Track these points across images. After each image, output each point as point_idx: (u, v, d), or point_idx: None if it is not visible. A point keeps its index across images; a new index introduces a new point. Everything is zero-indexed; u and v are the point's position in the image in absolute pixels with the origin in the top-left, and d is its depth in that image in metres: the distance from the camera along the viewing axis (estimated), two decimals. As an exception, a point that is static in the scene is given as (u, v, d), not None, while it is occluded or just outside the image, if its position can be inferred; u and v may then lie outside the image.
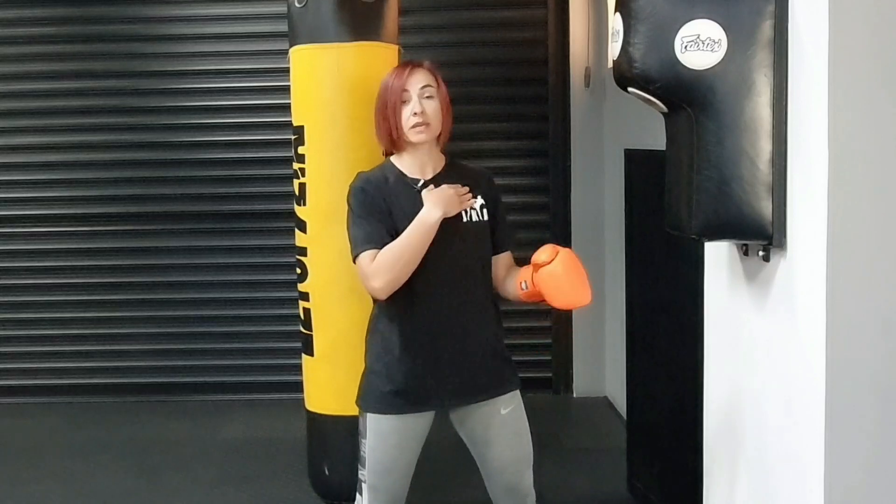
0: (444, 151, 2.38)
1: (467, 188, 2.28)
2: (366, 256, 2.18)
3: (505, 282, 2.36)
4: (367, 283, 2.19)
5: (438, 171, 2.32)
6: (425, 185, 2.27)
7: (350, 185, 2.31)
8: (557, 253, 2.16)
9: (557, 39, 4.79)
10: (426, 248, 2.17)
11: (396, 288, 2.17)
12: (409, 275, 2.17)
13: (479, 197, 2.33)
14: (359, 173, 2.34)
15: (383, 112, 2.28)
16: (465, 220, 2.28)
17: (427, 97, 2.25)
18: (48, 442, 4.38)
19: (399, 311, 2.26)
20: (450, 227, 2.22)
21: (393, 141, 2.29)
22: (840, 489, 1.51)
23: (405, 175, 2.29)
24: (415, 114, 2.22)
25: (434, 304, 2.25)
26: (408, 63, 2.31)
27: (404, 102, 2.24)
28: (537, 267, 2.17)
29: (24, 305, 5.02)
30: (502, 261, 2.39)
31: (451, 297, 2.26)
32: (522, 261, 2.34)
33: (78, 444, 4.33)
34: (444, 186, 2.24)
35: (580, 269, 2.17)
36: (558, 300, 2.16)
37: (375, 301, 2.32)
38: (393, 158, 2.34)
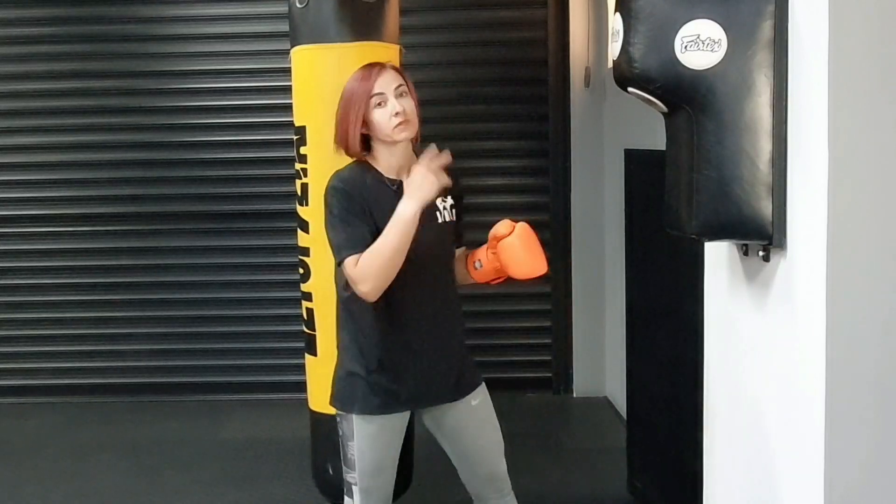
0: (415, 152, 2.32)
1: (447, 156, 2.19)
2: (350, 261, 2.14)
3: (456, 268, 2.41)
4: (355, 288, 2.16)
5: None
6: (402, 185, 2.20)
7: (328, 185, 2.24)
8: (515, 227, 2.27)
9: (557, 39, 4.80)
10: (409, 242, 2.12)
11: (385, 287, 2.14)
12: (396, 272, 2.13)
13: (448, 196, 2.32)
14: (335, 172, 2.28)
15: (346, 116, 2.23)
16: (440, 220, 2.29)
17: (401, 95, 2.23)
18: (48, 442, 4.38)
19: (378, 312, 2.24)
20: (427, 228, 2.21)
21: (348, 146, 2.25)
22: (840, 489, 1.51)
23: (382, 175, 2.26)
24: (396, 114, 2.19)
25: (412, 304, 2.25)
26: (373, 65, 2.27)
27: (380, 105, 2.20)
28: (497, 240, 2.27)
29: (24, 305, 5.02)
30: (458, 253, 2.44)
31: (428, 297, 2.27)
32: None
33: (78, 444, 4.33)
34: (416, 170, 2.15)
35: (536, 242, 2.30)
36: (517, 270, 2.27)
37: (346, 301, 2.30)
38: (368, 157, 2.29)
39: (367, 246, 2.14)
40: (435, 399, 2.34)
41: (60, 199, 4.97)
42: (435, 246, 2.28)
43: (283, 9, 3.33)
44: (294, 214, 3.24)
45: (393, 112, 2.19)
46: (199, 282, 4.99)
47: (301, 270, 3.21)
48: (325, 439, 3.26)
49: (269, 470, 3.94)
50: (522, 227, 2.28)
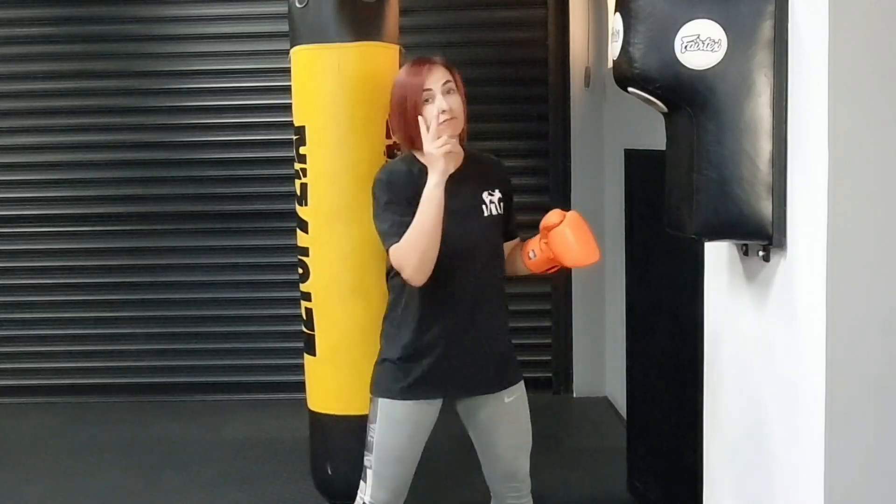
0: (462, 147, 2.36)
1: (452, 130, 2.23)
2: (393, 248, 2.19)
3: (511, 259, 2.44)
4: (402, 273, 2.20)
5: (459, 165, 2.31)
6: (449, 179, 2.22)
7: (375, 177, 2.31)
8: (566, 215, 2.29)
9: (557, 39, 4.79)
10: (440, 219, 2.15)
11: (430, 270, 2.17)
12: (436, 253, 2.16)
13: (496, 190, 2.36)
14: (384, 165, 2.36)
15: (402, 112, 2.26)
16: (486, 213, 2.32)
17: (449, 92, 2.25)
18: (48, 442, 4.38)
19: (420, 301, 2.27)
20: (471, 221, 2.28)
21: (412, 140, 2.28)
22: (840, 489, 1.51)
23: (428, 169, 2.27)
24: (443, 111, 2.21)
25: (454, 295, 2.27)
26: (423, 60, 2.30)
27: (427, 101, 2.23)
28: (547, 229, 2.28)
29: (24, 305, 5.02)
30: (511, 245, 2.46)
31: (470, 289, 2.29)
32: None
33: (78, 444, 4.33)
34: (428, 147, 2.17)
35: (587, 230, 2.30)
36: (569, 258, 2.27)
37: (392, 290, 2.35)
38: (415, 152, 2.32)
39: None
40: (469, 390, 2.36)
41: (60, 199, 4.97)
42: (479, 237, 2.29)
43: (283, 9, 3.32)
44: (294, 214, 3.24)
45: (440, 109, 2.22)
46: (198, 282, 4.99)
47: (300, 271, 3.21)
48: (324, 439, 3.26)
49: (269, 470, 3.93)
50: (573, 215, 2.29)
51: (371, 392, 2.38)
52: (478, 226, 2.30)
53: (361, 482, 2.40)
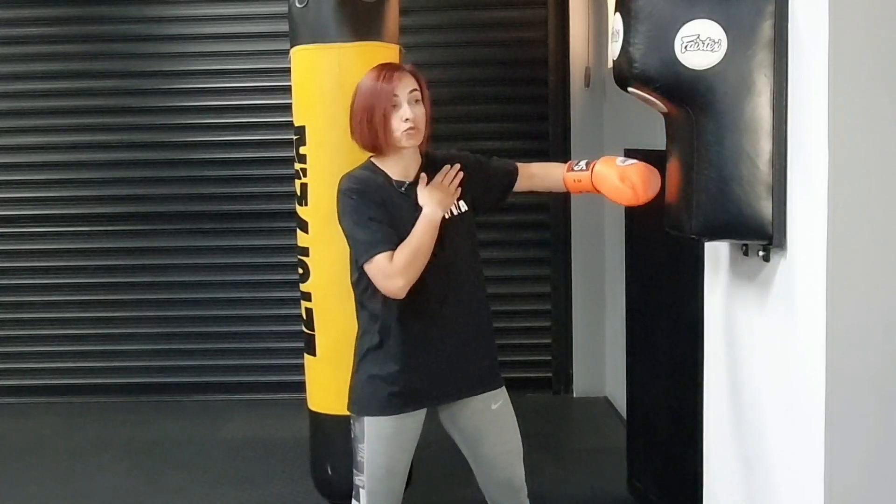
0: (422, 154, 2.36)
1: (457, 172, 2.28)
2: (384, 258, 2.15)
3: (543, 174, 2.57)
4: (387, 283, 2.16)
5: (418, 171, 2.31)
6: (410, 186, 2.26)
7: (341, 189, 2.26)
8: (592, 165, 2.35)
9: (557, 39, 4.79)
10: (433, 244, 2.18)
11: (413, 283, 2.17)
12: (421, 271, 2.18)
13: (457, 188, 2.34)
14: (346, 176, 2.29)
15: (368, 116, 2.23)
16: (452, 213, 2.29)
17: (415, 101, 2.24)
18: (48, 442, 4.38)
19: (394, 312, 2.25)
20: (441, 225, 2.23)
21: (377, 146, 2.26)
22: (840, 489, 1.52)
23: (390, 177, 2.28)
24: (406, 119, 2.21)
25: (429, 302, 2.25)
26: (392, 66, 2.29)
27: (395, 107, 2.22)
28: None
29: (24, 305, 5.02)
30: (524, 171, 2.55)
31: (444, 295, 2.27)
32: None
33: (78, 444, 4.33)
34: (434, 185, 2.24)
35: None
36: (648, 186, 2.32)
37: (363, 305, 2.30)
38: (374, 160, 2.31)
39: (394, 242, 2.16)
40: (451, 395, 2.34)
41: (60, 199, 4.97)
42: (452, 239, 2.27)
43: (283, 9, 3.33)
44: (293, 214, 3.24)
45: (403, 118, 2.21)
46: (198, 282, 4.99)
47: (300, 270, 3.21)
48: (324, 439, 3.26)
49: (269, 470, 3.93)
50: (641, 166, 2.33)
51: (352, 411, 2.33)
52: (448, 229, 2.26)
53: (354, 501, 2.37)
